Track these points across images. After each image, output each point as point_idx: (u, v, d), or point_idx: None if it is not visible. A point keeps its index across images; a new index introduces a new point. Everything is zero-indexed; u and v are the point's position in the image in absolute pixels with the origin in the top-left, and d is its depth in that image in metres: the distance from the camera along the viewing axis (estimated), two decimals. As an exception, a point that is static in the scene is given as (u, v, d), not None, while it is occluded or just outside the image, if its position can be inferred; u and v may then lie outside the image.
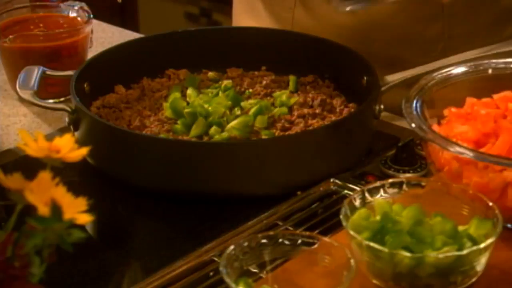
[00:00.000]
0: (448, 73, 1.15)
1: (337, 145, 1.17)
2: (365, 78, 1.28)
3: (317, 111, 1.28)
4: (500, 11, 1.46)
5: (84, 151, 0.79)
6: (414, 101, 1.09)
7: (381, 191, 0.99)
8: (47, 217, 0.73)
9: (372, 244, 0.89)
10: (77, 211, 0.75)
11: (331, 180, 1.15)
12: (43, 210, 0.73)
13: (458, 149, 0.99)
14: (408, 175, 1.17)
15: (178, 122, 1.23)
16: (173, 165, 1.13)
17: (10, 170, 0.77)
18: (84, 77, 1.28)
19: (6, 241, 0.75)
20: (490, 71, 1.17)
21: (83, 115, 1.20)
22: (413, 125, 1.04)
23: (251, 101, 1.28)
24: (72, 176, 1.17)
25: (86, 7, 1.47)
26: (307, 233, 0.94)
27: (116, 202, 1.17)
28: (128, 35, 1.66)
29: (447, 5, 1.42)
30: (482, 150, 1.03)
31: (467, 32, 1.44)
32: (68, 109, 1.22)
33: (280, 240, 0.93)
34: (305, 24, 1.46)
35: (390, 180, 1.00)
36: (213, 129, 1.21)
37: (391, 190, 0.99)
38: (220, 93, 1.30)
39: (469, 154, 0.99)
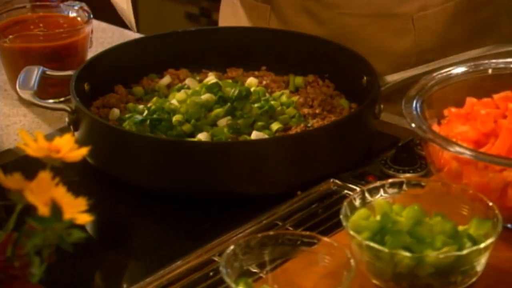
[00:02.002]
0: (448, 73, 1.15)
1: (337, 145, 1.17)
2: (365, 78, 1.28)
3: (317, 111, 1.28)
4: (472, 26, 1.46)
5: (84, 151, 0.79)
6: (414, 101, 1.09)
7: (381, 191, 0.99)
8: (47, 217, 0.73)
9: (372, 244, 0.89)
10: (77, 211, 0.75)
11: (331, 180, 1.15)
12: (43, 210, 0.73)
13: (458, 149, 0.99)
14: (408, 175, 1.17)
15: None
16: (173, 165, 1.13)
17: (10, 170, 0.77)
18: (84, 77, 1.28)
19: (6, 241, 0.75)
20: (490, 71, 1.17)
21: (83, 115, 1.20)
22: (413, 125, 1.04)
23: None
24: (72, 176, 1.17)
25: (86, 7, 1.47)
26: (307, 233, 0.94)
27: (116, 202, 1.17)
28: (128, 35, 1.66)
29: (417, 19, 1.43)
30: (482, 150, 1.03)
31: (439, 46, 1.44)
32: (68, 109, 1.22)
33: (280, 240, 0.93)
34: None
35: (390, 180, 1.00)
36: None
37: (391, 190, 0.99)
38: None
39: (469, 154, 0.98)
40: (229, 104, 1.26)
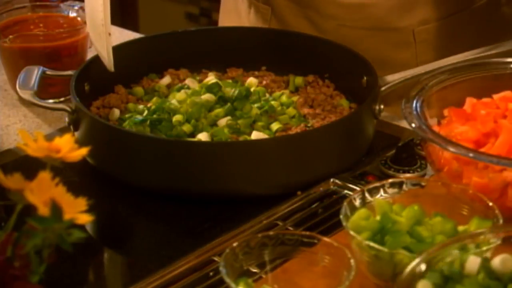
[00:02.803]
0: (448, 73, 1.16)
1: (337, 145, 1.17)
2: (365, 78, 1.28)
3: (317, 111, 1.28)
4: (473, 40, 1.46)
5: (84, 151, 0.79)
6: (414, 101, 1.09)
7: (381, 191, 0.99)
8: (47, 217, 0.73)
9: (372, 244, 0.89)
10: (77, 211, 0.75)
11: (331, 180, 1.15)
12: (43, 210, 0.73)
13: (458, 149, 0.99)
14: (408, 175, 1.17)
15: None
16: (173, 165, 1.13)
17: (10, 170, 0.77)
18: (84, 77, 1.28)
19: (6, 241, 0.75)
20: (490, 71, 1.17)
21: (83, 115, 1.20)
22: (413, 125, 1.04)
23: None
24: (72, 176, 1.17)
25: (86, 7, 1.47)
26: (307, 233, 0.94)
27: (116, 202, 1.17)
28: (128, 35, 1.66)
29: (418, 33, 1.43)
30: (482, 150, 1.03)
31: (439, 58, 1.44)
32: (68, 109, 1.22)
33: (280, 240, 0.93)
34: None
35: (390, 180, 1.00)
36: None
37: (391, 190, 0.99)
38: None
39: (469, 154, 0.99)
40: (229, 104, 1.26)
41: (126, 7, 3.37)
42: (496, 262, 0.81)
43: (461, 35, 1.46)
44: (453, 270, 0.81)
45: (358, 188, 1.06)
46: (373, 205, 0.97)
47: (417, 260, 0.82)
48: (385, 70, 1.42)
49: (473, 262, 0.81)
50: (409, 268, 0.81)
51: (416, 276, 0.81)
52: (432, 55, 1.45)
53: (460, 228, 0.93)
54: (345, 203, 0.95)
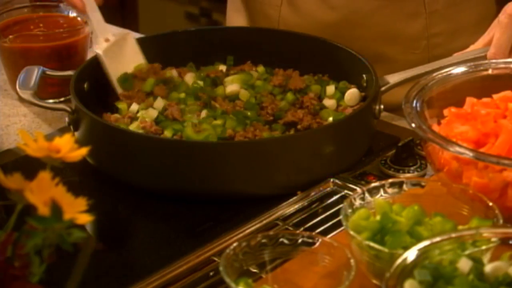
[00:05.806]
0: (448, 73, 1.16)
1: (337, 145, 1.17)
2: (365, 78, 1.29)
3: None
4: (483, 10, 1.46)
5: (84, 151, 0.79)
6: (414, 101, 1.09)
7: (381, 191, 0.99)
8: (47, 217, 0.73)
9: (372, 244, 0.89)
10: (77, 211, 0.75)
11: (331, 180, 1.15)
12: (43, 210, 0.73)
13: (458, 149, 0.99)
14: (408, 175, 1.17)
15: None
16: (173, 165, 1.13)
17: (10, 170, 0.77)
18: (84, 77, 1.29)
19: (6, 241, 0.75)
20: (490, 71, 1.17)
21: (83, 115, 1.20)
22: (413, 125, 1.04)
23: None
24: (72, 176, 1.17)
25: (86, 7, 1.47)
26: (307, 233, 0.94)
27: (116, 202, 1.17)
28: (128, 35, 1.66)
29: (429, 3, 1.43)
30: (482, 150, 1.03)
31: (450, 30, 1.44)
32: (68, 109, 1.22)
33: (280, 240, 0.93)
34: (291, 22, 1.48)
35: (390, 180, 1.00)
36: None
37: (391, 190, 0.99)
38: None
39: (469, 154, 0.99)
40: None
41: (126, 7, 3.37)
42: (488, 268, 0.81)
43: (469, 6, 1.45)
44: (444, 269, 0.81)
45: (358, 188, 1.06)
46: (373, 205, 0.97)
47: (404, 256, 0.82)
48: (397, 43, 1.42)
49: (465, 263, 0.81)
50: (396, 263, 0.81)
51: (405, 272, 0.80)
52: (442, 28, 1.44)
53: (460, 228, 0.93)
54: (345, 203, 0.95)
